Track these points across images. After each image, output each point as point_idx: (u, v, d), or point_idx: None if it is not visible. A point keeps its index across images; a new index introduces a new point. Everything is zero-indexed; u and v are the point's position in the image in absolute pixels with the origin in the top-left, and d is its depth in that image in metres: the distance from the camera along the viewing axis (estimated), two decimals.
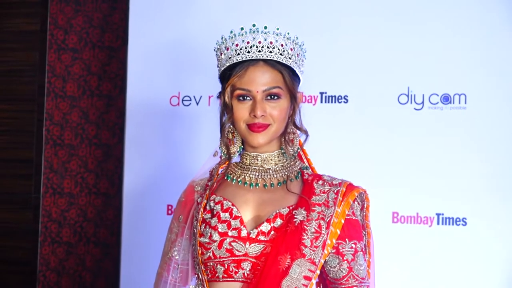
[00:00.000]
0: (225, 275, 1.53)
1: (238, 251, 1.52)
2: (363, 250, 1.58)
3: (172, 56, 2.87)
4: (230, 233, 1.53)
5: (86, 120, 3.30)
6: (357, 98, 2.63)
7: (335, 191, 1.57)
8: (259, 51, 1.55)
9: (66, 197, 3.29)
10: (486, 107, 2.50)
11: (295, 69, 1.59)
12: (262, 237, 1.52)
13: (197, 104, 2.83)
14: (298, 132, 1.65)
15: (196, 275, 1.61)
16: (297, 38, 1.60)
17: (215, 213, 1.57)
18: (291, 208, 1.54)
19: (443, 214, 2.51)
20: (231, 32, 1.59)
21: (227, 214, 1.55)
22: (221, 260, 1.53)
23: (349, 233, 1.55)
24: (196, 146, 2.76)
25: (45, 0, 3.34)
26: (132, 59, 2.92)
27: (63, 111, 3.32)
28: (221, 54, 1.61)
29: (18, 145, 3.33)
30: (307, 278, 1.49)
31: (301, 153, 1.70)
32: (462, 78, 2.53)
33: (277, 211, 1.54)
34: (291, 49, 1.58)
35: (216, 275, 1.54)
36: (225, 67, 1.59)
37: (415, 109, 2.58)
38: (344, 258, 1.54)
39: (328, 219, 1.53)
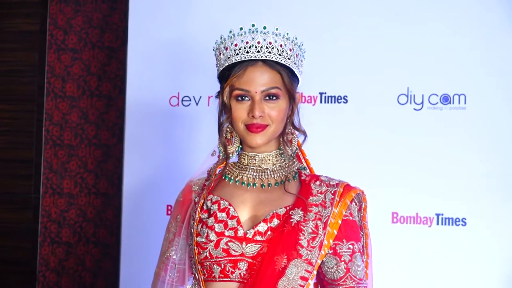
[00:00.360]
0: (222, 275, 1.53)
1: (235, 251, 1.52)
2: (361, 251, 1.57)
3: (172, 56, 2.86)
4: (226, 233, 1.53)
5: (86, 120, 3.30)
6: (356, 98, 2.63)
7: (332, 192, 1.56)
8: (258, 51, 1.55)
9: (65, 197, 3.29)
10: (486, 107, 2.50)
11: (294, 69, 1.59)
12: (258, 237, 1.51)
13: (197, 104, 2.83)
14: (297, 132, 1.65)
15: (193, 275, 1.60)
16: (296, 38, 1.60)
17: (212, 212, 1.57)
18: (288, 208, 1.54)
19: (442, 214, 2.51)
20: (230, 32, 1.59)
21: (224, 214, 1.55)
22: (218, 260, 1.53)
23: (347, 234, 1.55)
24: (195, 146, 2.76)
25: (45, 0, 3.34)
26: (131, 60, 2.92)
27: (62, 111, 3.31)
28: (220, 54, 1.61)
29: (18, 145, 3.33)
30: (304, 278, 1.49)
31: (299, 153, 1.70)
32: (461, 78, 2.53)
33: (274, 211, 1.53)
34: (290, 50, 1.58)
35: (213, 275, 1.54)
36: (223, 67, 1.59)
37: (414, 109, 2.58)
38: (342, 259, 1.54)
39: (325, 219, 1.53)
